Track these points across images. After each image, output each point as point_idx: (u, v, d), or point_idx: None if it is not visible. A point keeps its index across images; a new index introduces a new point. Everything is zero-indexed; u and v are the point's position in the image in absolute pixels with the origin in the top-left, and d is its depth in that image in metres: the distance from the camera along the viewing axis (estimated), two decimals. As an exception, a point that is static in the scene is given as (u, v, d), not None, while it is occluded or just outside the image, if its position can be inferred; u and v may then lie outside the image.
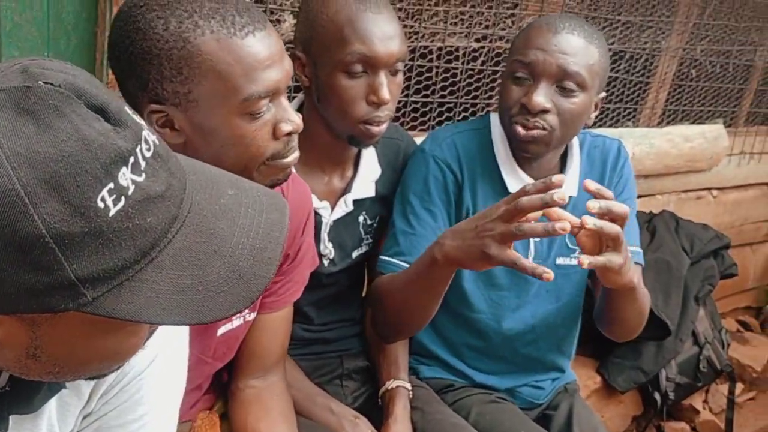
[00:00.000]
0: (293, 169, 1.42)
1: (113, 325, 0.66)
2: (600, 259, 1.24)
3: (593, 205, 1.20)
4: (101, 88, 0.63)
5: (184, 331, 0.97)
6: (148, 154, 0.63)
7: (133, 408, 0.90)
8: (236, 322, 1.31)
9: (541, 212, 1.18)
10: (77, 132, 0.59)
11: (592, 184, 1.23)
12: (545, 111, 1.44)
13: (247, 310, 1.32)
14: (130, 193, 0.61)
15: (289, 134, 1.09)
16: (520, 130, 1.46)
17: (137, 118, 0.65)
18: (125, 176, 0.61)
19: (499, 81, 2.16)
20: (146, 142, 0.64)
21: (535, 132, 1.45)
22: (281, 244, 0.72)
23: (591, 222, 1.18)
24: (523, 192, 1.18)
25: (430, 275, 1.34)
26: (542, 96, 1.43)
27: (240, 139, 1.05)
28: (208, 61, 1.01)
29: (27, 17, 1.36)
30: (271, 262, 0.70)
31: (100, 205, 0.59)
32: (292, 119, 1.08)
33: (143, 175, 0.62)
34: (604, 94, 1.56)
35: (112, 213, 0.60)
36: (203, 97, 1.02)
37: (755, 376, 3.06)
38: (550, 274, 1.14)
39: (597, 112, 1.56)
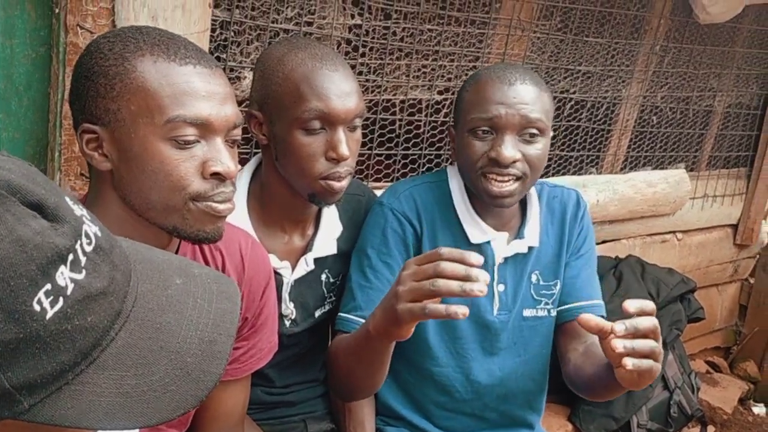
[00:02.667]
0: (253, 234, 1.41)
1: (55, 430, 0.62)
2: (645, 364, 1.13)
3: (619, 328, 1.12)
4: (39, 182, 0.60)
5: None
6: (88, 249, 0.60)
7: None
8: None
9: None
10: (11, 233, 0.56)
11: (632, 306, 1.14)
12: (515, 161, 1.46)
13: (205, 376, 1.28)
14: (68, 292, 0.58)
15: (217, 175, 1.04)
16: (493, 187, 1.47)
17: (78, 209, 0.62)
18: (63, 275, 0.57)
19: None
20: (87, 236, 0.61)
21: (508, 187, 1.47)
22: (232, 336, 0.69)
23: (620, 347, 1.11)
24: (437, 255, 1.10)
25: (367, 347, 1.29)
26: (511, 148, 1.45)
27: (161, 165, 1.02)
28: (141, 78, 1.01)
29: (-24, 79, 1.33)
30: (221, 356, 0.67)
31: (36, 308, 0.56)
32: (224, 162, 1.04)
33: (84, 271, 0.59)
34: (551, 133, 1.58)
35: (49, 315, 0.57)
36: (130, 115, 1.01)
37: (726, 418, 3.06)
38: (465, 310, 1.06)
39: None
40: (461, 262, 1.08)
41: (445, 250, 1.10)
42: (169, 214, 1.05)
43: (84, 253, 0.60)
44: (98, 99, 1.02)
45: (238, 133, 1.09)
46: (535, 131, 1.47)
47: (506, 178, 1.46)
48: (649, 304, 1.16)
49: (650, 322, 1.14)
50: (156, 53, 1.02)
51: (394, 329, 1.18)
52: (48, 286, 0.56)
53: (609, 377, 1.35)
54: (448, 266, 1.08)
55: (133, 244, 0.72)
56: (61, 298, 0.57)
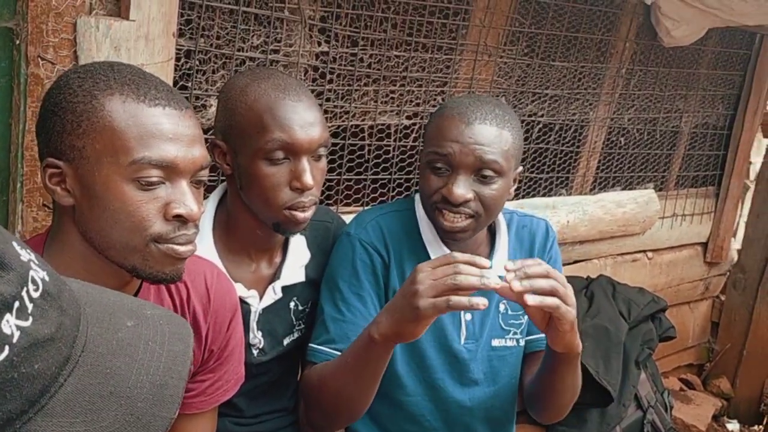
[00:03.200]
0: (220, 264, 1.40)
1: None
2: (549, 300, 1.23)
3: (509, 266, 1.24)
4: None
5: None
6: (35, 295, 0.60)
7: None
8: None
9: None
10: None
11: (510, 265, 1.25)
12: (467, 201, 1.46)
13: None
14: (15, 340, 0.57)
15: (179, 217, 1.03)
16: (445, 222, 1.48)
17: (26, 254, 0.61)
18: (9, 323, 0.56)
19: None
20: (34, 282, 0.60)
21: (459, 224, 1.47)
22: (184, 378, 0.68)
23: (517, 285, 1.22)
24: (451, 257, 1.23)
25: (367, 357, 1.32)
26: (462, 188, 1.45)
27: (123, 206, 1.01)
28: (108, 117, 1.00)
29: (-64, 111, 1.32)
30: (173, 399, 0.66)
31: None
32: (187, 204, 1.04)
33: (30, 318, 0.58)
34: (521, 168, 1.58)
35: None
36: (95, 154, 1.00)
37: (700, 436, 3.08)
38: (485, 301, 1.18)
39: (516, 186, 1.58)
40: (473, 264, 1.21)
41: (458, 254, 1.23)
42: (130, 254, 1.04)
43: (31, 299, 0.59)
44: (64, 135, 1.02)
45: (204, 174, 1.09)
46: (490, 173, 1.46)
47: (458, 217, 1.47)
48: (534, 262, 1.26)
49: (538, 264, 1.25)
50: (126, 93, 1.01)
51: (411, 328, 1.25)
52: None
53: (547, 360, 1.47)
54: (465, 267, 1.21)
55: (83, 286, 0.71)
56: (6, 347, 0.56)
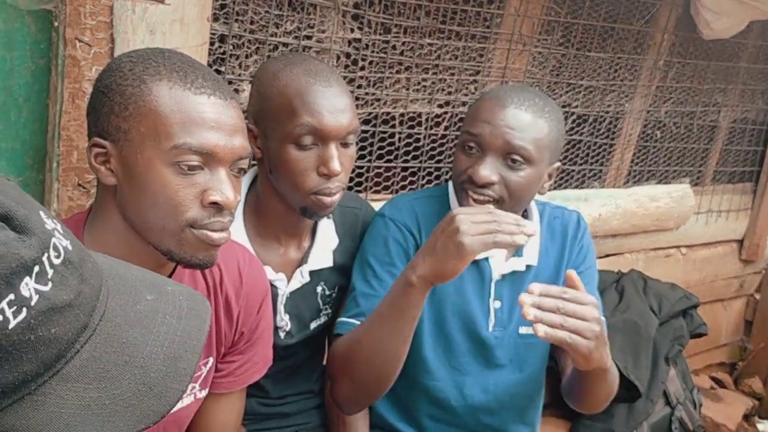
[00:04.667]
0: (250, 247, 1.42)
1: None
2: (560, 334, 1.23)
3: (534, 288, 1.26)
4: (11, 195, 0.61)
5: None
6: (56, 262, 0.61)
7: None
8: (187, 400, 1.27)
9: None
10: None
11: (536, 289, 1.27)
12: (491, 183, 1.45)
13: (198, 387, 1.29)
14: (33, 303, 0.58)
15: (215, 204, 1.05)
16: (471, 203, 1.47)
17: (50, 224, 0.63)
18: (28, 286, 0.58)
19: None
20: (56, 249, 0.62)
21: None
22: (198, 353, 0.69)
23: (528, 301, 1.24)
24: (487, 209, 1.30)
25: (405, 303, 1.34)
26: (488, 169, 1.45)
27: (162, 189, 1.03)
28: (154, 102, 1.02)
29: (-24, 90, 1.35)
30: (186, 372, 0.67)
31: None
32: (224, 192, 1.05)
33: (50, 283, 0.60)
34: (558, 164, 1.57)
35: (11, 325, 0.57)
36: (139, 137, 1.03)
37: (729, 436, 3.04)
38: (531, 230, 1.25)
39: (551, 182, 1.57)
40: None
41: (495, 210, 1.31)
42: (165, 237, 1.06)
43: (51, 265, 0.60)
44: (111, 116, 1.04)
45: (244, 164, 1.10)
46: (518, 158, 1.45)
47: (482, 198, 1.46)
48: (555, 289, 1.28)
49: (552, 303, 1.26)
50: (173, 79, 1.04)
51: (453, 266, 1.28)
52: (11, 296, 0.57)
53: (573, 373, 1.47)
54: (505, 216, 1.27)
55: (108, 260, 0.73)
56: (24, 309, 0.58)
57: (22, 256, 0.58)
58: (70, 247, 0.64)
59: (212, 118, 1.04)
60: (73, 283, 0.62)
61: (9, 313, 0.57)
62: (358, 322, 1.49)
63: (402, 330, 1.37)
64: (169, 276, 1.19)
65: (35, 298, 0.59)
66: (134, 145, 1.03)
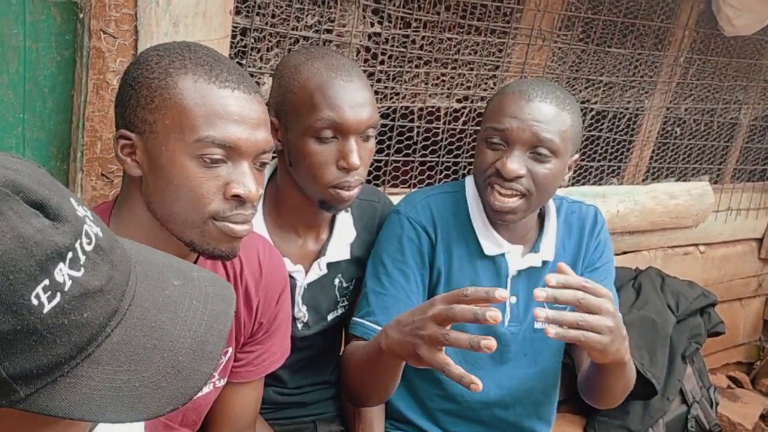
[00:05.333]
0: (269, 238, 1.43)
1: (49, 419, 0.65)
2: (573, 333, 1.20)
3: (551, 278, 1.19)
4: (44, 183, 0.63)
5: None
6: (88, 248, 0.63)
7: None
8: (206, 388, 1.29)
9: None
10: (12, 230, 0.58)
11: (553, 279, 1.20)
12: (519, 177, 1.45)
13: (217, 376, 1.30)
14: (66, 288, 0.60)
15: (238, 197, 1.07)
16: (495, 201, 1.47)
17: (81, 211, 0.65)
18: (62, 272, 0.60)
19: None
20: (87, 236, 0.63)
21: (510, 202, 1.46)
22: (224, 337, 0.71)
23: (542, 295, 1.17)
24: (461, 295, 1.11)
25: (378, 362, 1.30)
26: (516, 163, 1.45)
27: (185, 181, 1.04)
28: (179, 95, 1.04)
29: (3, 79, 1.37)
30: (213, 356, 0.69)
31: (34, 302, 0.58)
32: (247, 185, 1.07)
33: (82, 269, 0.62)
34: (577, 156, 1.57)
35: (46, 310, 0.59)
36: (164, 129, 1.04)
37: (745, 435, 3.02)
38: (478, 385, 1.08)
39: (571, 173, 1.57)
40: (487, 299, 1.09)
41: (471, 290, 1.11)
42: (188, 228, 1.07)
43: (83, 252, 0.62)
44: (138, 108, 1.06)
45: (267, 158, 1.11)
46: (545, 151, 1.45)
47: (509, 192, 1.46)
48: (574, 281, 1.20)
49: (571, 294, 1.18)
50: (198, 73, 1.05)
51: (412, 362, 1.19)
52: (46, 282, 0.59)
53: (590, 368, 1.45)
54: (459, 310, 1.10)
55: (135, 245, 0.75)
56: (58, 294, 0.60)
57: (56, 243, 0.60)
58: (100, 234, 0.65)
59: (236, 111, 1.05)
60: (104, 269, 0.64)
61: (44, 298, 0.59)
62: (369, 323, 1.50)
63: (381, 379, 1.35)
64: None
65: (68, 283, 0.60)
66: (159, 137, 1.05)
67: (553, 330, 1.18)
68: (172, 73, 1.05)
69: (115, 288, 0.65)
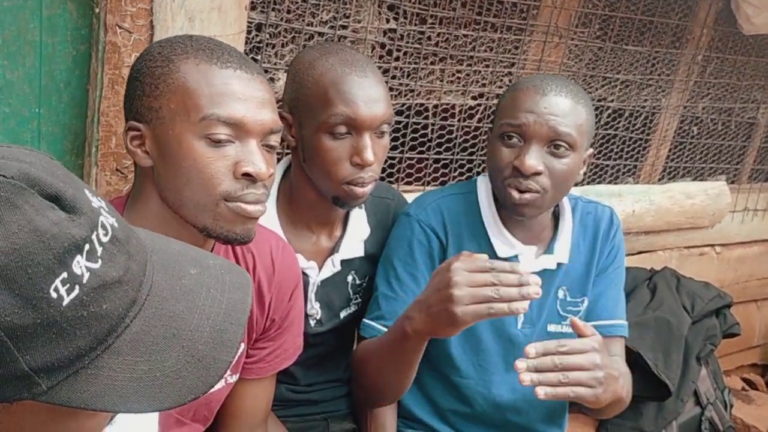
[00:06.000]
0: (282, 234, 1.43)
1: (71, 411, 0.65)
2: (562, 391, 1.22)
3: (530, 349, 1.23)
4: (58, 175, 0.63)
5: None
6: (105, 240, 0.63)
7: None
8: (218, 384, 1.29)
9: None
10: (29, 223, 0.58)
11: (531, 351, 1.24)
12: (538, 173, 1.43)
13: (229, 372, 1.30)
14: (84, 281, 0.60)
15: (248, 176, 1.06)
16: (515, 194, 1.45)
17: (96, 202, 0.65)
18: (80, 264, 0.60)
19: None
20: (103, 227, 0.63)
21: (528, 196, 1.45)
22: (242, 325, 0.70)
23: (522, 367, 1.21)
24: (488, 263, 1.19)
25: (402, 349, 1.33)
26: (534, 158, 1.43)
27: (194, 163, 1.04)
28: (182, 78, 1.05)
29: (19, 74, 1.38)
30: (232, 344, 0.68)
31: (53, 295, 0.58)
32: (256, 163, 1.06)
33: (99, 261, 0.62)
34: (592, 150, 1.56)
35: (65, 302, 0.59)
36: (170, 113, 1.05)
37: (760, 438, 2.99)
38: (525, 305, 1.16)
39: (585, 168, 1.55)
40: (513, 272, 1.18)
41: (497, 263, 1.19)
42: (201, 212, 1.07)
43: (100, 243, 0.62)
44: (144, 98, 1.07)
45: (276, 139, 1.11)
46: (563, 144, 1.44)
47: (527, 191, 1.45)
48: (551, 345, 1.24)
49: (549, 361, 1.22)
50: (200, 56, 1.06)
51: (447, 331, 1.24)
52: (64, 275, 0.59)
53: None
54: (505, 276, 1.18)
55: (150, 235, 0.74)
56: (77, 286, 0.60)
57: (73, 235, 0.60)
58: (116, 225, 0.65)
59: (239, 90, 1.05)
60: (121, 260, 0.64)
61: (63, 290, 0.59)
62: (379, 326, 1.50)
63: (401, 369, 1.38)
64: None
65: (86, 275, 0.60)
66: (165, 122, 1.05)
67: (542, 391, 1.20)
68: (174, 60, 1.06)
69: (133, 278, 0.65)
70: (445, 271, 1.22)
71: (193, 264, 0.74)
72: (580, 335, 1.30)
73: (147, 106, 1.07)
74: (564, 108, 1.44)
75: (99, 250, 0.62)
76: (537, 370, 1.21)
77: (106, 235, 0.63)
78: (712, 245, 3.01)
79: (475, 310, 1.18)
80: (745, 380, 3.40)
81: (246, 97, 1.05)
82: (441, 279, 1.22)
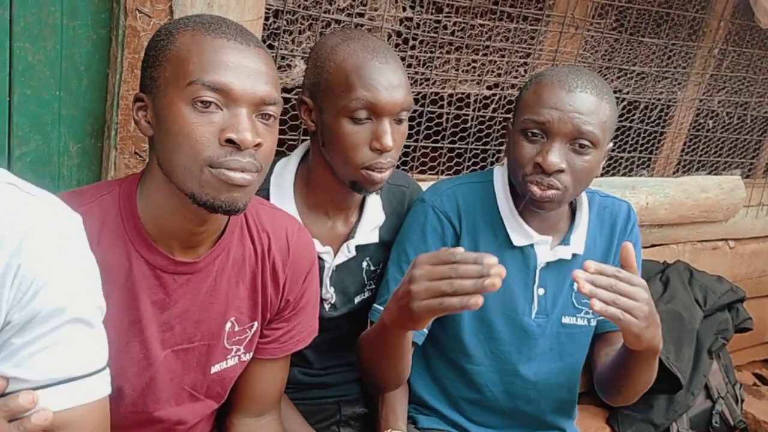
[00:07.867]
0: (299, 218, 1.44)
1: None
2: (612, 311, 1.22)
3: (590, 264, 1.23)
4: None
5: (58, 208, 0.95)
6: None
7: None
8: (231, 361, 1.31)
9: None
10: None
11: (590, 266, 1.25)
12: (560, 171, 1.43)
13: (243, 350, 1.31)
14: None
15: (231, 143, 1.06)
16: (536, 190, 1.44)
17: None
18: None
19: (510, 128, 2.16)
20: None
21: (550, 193, 1.44)
22: None
23: (582, 277, 1.21)
24: (451, 256, 1.15)
25: (384, 340, 1.33)
26: (557, 156, 1.42)
27: (180, 128, 1.06)
28: (177, 48, 1.08)
29: (40, 57, 1.39)
30: None
31: None
32: (241, 131, 1.06)
33: None
34: (611, 144, 1.55)
35: None
36: (164, 82, 1.08)
37: (771, 433, 2.99)
38: (478, 300, 1.11)
39: (604, 162, 1.55)
40: (477, 263, 1.14)
41: (460, 253, 1.15)
42: (187, 179, 1.08)
43: None
44: (147, 69, 1.12)
45: (271, 111, 1.10)
46: (586, 143, 1.42)
47: (549, 189, 1.44)
48: (609, 269, 1.25)
49: (605, 281, 1.23)
50: (197, 29, 1.09)
51: (410, 323, 1.24)
52: None
53: (622, 351, 1.45)
54: (464, 268, 1.14)
55: None
56: None
57: None
58: None
59: (229, 58, 1.07)
60: None
61: None
62: None
63: (389, 360, 1.38)
64: (218, 238, 1.22)
65: None
66: (161, 90, 1.09)
67: (598, 303, 1.21)
68: (173, 32, 1.10)
69: None
70: (412, 265, 1.21)
71: None
72: (624, 265, 1.30)
73: (149, 76, 1.11)
74: (589, 105, 1.42)
75: None
76: (593, 283, 1.22)
77: None
78: (726, 239, 3.00)
79: (427, 305, 1.16)
80: (756, 375, 3.39)
81: (235, 65, 1.07)
82: (407, 273, 1.21)
